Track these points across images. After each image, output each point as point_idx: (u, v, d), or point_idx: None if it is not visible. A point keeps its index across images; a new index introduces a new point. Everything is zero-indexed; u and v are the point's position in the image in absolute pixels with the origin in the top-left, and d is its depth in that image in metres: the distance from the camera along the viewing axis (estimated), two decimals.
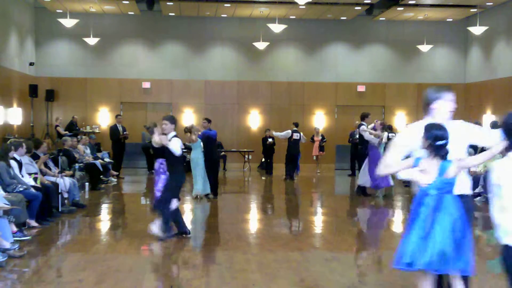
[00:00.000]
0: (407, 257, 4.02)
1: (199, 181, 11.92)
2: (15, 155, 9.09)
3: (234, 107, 21.45)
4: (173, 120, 7.98)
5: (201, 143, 11.96)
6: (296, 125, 16.43)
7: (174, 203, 7.90)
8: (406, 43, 21.83)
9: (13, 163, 8.90)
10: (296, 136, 16.11)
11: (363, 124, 12.76)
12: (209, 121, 12.39)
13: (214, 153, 12.39)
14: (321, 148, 19.01)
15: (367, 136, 12.51)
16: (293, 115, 21.55)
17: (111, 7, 19.82)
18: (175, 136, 7.87)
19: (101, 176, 14.08)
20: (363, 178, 12.56)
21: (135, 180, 16.38)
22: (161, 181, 8.23)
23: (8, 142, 9.84)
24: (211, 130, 12.27)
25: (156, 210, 7.95)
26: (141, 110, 21.16)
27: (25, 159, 9.47)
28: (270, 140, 18.09)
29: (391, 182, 12.59)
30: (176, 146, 7.78)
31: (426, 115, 4.52)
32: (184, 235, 8.01)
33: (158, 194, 8.17)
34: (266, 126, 20.59)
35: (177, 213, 8.07)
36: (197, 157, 11.88)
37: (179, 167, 7.96)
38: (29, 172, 9.35)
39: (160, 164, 8.34)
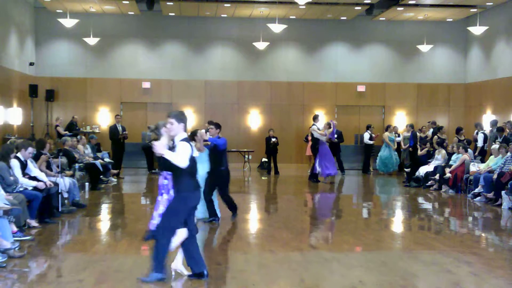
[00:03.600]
0: None
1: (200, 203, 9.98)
2: (19, 155, 9.10)
3: (234, 107, 21.45)
4: (181, 118, 5.84)
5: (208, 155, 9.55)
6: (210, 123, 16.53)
7: (180, 234, 5.86)
8: (406, 43, 21.82)
9: (14, 162, 8.91)
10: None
11: (314, 125, 15.78)
12: (217, 126, 9.71)
13: (219, 166, 9.51)
14: None
15: (316, 135, 15.46)
16: (293, 115, 21.58)
17: (111, 7, 19.81)
18: (185, 140, 5.78)
19: (101, 176, 14.09)
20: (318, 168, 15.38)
21: (135, 180, 16.39)
22: (162, 202, 5.96)
23: (9, 142, 9.85)
24: (220, 138, 9.65)
25: (150, 239, 6.03)
26: (141, 110, 21.17)
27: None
28: (273, 140, 18.10)
29: (336, 172, 15.72)
30: (177, 155, 5.65)
31: None
32: (200, 278, 5.97)
33: (156, 219, 5.95)
34: (266, 126, 20.59)
35: (192, 247, 5.98)
36: (203, 174, 9.23)
37: (188, 182, 5.81)
38: (29, 172, 9.35)
39: (163, 178, 5.98)
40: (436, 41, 21.57)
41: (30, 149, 9.28)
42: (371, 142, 19.00)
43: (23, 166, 9.13)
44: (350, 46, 21.94)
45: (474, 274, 6.45)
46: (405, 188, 14.80)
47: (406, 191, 14.26)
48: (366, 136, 19.00)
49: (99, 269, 6.39)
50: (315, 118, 16.35)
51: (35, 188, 8.90)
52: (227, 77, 21.48)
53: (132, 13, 20.67)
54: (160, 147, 5.66)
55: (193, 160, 5.81)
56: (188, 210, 5.85)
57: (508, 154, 12.13)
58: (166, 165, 5.75)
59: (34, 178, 9.20)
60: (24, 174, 9.11)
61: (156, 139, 6.14)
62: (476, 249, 7.84)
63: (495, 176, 11.67)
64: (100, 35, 20.17)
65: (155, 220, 5.92)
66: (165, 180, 5.94)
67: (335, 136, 16.90)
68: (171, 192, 5.89)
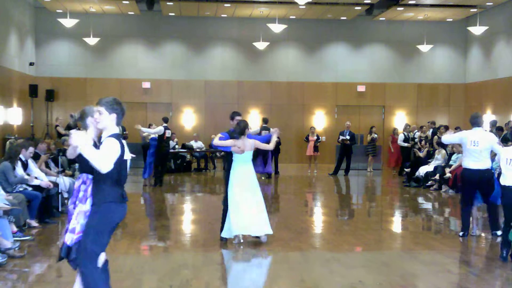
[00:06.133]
0: None
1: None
2: (21, 156, 9.14)
3: (234, 107, 21.38)
4: (114, 107, 4.45)
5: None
6: (166, 120, 14.87)
7: (101, 258, 4.45)
8: (406, 43, 21.82)
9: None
10: (168, 133, 14.82)
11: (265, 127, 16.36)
12: (237, 113, 8.63)
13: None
14: (316, 148, 18.89)
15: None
16: (293, 115, 21.58)
17: (111, 7, 19.81)
18: (115, 136, 4.39)
19: None
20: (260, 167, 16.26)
21: (135, 180, 16.37)
22: (80, 214, 4.56)
23: (9, 142, 9.87)
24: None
25: (72, 264, 4.65)
26: (141, 110, 21.16)
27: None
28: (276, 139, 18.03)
29: (271, 170, 16.71)
30: (99, 154, 4.25)
31: None
32: None
33: (73, 237, 4.56)
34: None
35: (105, 275, 4.53)
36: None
37: (112, 191, 4.41)
38: (30, 172, 9.36)
39: (82, 182, 4.65)
40: (436, 41, 21.57)
41: (31, 149, 9.33)
42: (407, 144, 17.59)
43: (24, 165, 9.17)
44: (350, 46, 21.93)
45: (474, 274, 6.45)
46: (405, 188, 14.80)
47: (406, 191, 14.26)
48: (401, 137, 17.94)
49: None
50: (266, 120, 17.23)
51: (35, 188, 8.91)
52: (227, 77, 21.48)
53: (132, 13, 20.67)
54: (77, 137, 4.22)
55: (122, 165, 4.41)
56: (112, 227, 4.48)
57: None
58: (88, 165, 4.39)
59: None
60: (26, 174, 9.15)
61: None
62: (476, 249, 7.83)
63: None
64: (100, 35, 20.18)
65: (72, 235, 4.55)
66: (83, 184, 4.59)
67: (348, 137, 17.75)
68: (88, 202, 4.54)
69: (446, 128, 16.78)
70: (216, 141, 7.85)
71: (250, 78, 21.60)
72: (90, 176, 4.53)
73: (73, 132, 4.25)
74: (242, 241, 7.65)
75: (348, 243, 8.15)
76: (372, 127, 19.55)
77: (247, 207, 7.53)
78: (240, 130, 7.70)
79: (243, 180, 7.63)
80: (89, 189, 4.55)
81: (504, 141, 13.88)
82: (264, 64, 21.66)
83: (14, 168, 8.74)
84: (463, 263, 6.92)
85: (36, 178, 9.23)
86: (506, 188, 7.04)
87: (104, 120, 4.40)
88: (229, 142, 7.75)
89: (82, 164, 4.62)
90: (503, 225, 7.21)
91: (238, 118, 8.22)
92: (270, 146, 7.98)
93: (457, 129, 16.48)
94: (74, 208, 4.61)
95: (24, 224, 8.33)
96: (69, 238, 4.54)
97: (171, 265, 6.67)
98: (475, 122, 8.32)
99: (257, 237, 7.71)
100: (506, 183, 7.05)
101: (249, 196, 7.58)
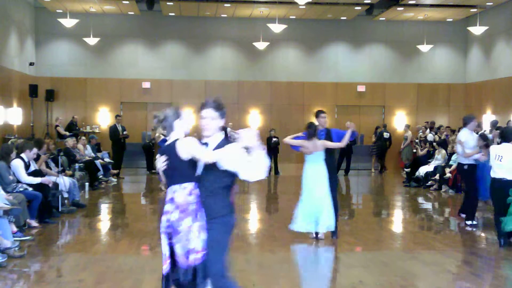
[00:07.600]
0: None
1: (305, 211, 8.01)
2: (23, 156, 9.15)
3: (234, 107, 21.43)
4: (224, 111, 4.31)
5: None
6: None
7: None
8: (406, 43, 21.82)
9: (18, 162, 8.94)
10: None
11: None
12: (320, 111, 8.80)
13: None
14: None
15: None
16: (293, 115, 21.57)
17: (111, 7, 19.81)
18: (226, 139, 4.23)
19: (101, 176, 14.10)
20: None
21: (135, 180, 16.40)
22: (198, 229, 3.97)
23: (10, 142, 9.88)
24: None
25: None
26: (141, 110, 21.16)
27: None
28: (274, 139, 18.11)
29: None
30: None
31: None
32: None
33: (196, 257, 3.95)
34: (266, 126, 20.59)
35: None
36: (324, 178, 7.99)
37: (228, 201, 4.16)
38: (30, 172, 9.38)
39: (188, 193, 4.01)
40: (436, 41, 21.57)
41: (35, 150, 9.34)
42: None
43: (27, 166, 9.17)
44: (350, 46, 21.93)
45: (474, 274, 6.45)
46: (405, 188, 14.80)
47: (406, 191, 14.26)
48: (430, 137, 17.10)
49: (99, 269, 6.39)
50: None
51: (35, 188, 8.91)
52: (227, 77, 21.48)
53: (132, 13, 20.67)
54: (250, 136, 3.90)
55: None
56: (230, 241, 4.10)
57: None
58: (191, 173, 4.00)
59: (37, 173, 9.23)
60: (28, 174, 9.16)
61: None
62: (476, 249, 7.84)
63: None
64: (100, 35, 20.17)
65: (195, 255, 3.95)
66: (190, 196, 3.99)
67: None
68: (199, 216, 3.99)
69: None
70: (287, 139, 8.34)
71: (250, 78, 21.60)
72: (196, 184, 4.02)
73: (243, 130, 3.91)
74: (314, 236, 7.93)
75: (348, 243, 8.15)
76: (377, 127, 19.63)
77: (310, 205, 7.88)
78: (309, 133, 7.96)
79: (313, 179, 7.90)
80: (198, 200, 4.03)
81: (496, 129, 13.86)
82: (264, 64, 21.65)
83: (9, 167, 8.74)
84: (463, 263, 6.92)
85: (39, 172, 9.25)
86: (496, 181, 7.74)
87: (216, 125, 4.17)
88: (297, 142, 8.12)
89: (187, 171, 4.02)
90: (494, 216, 8.01)
91: (322, 115, 8.58)
92: (342, 145, 7.86)
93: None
94: (191, 222, 3.97)
95: (24, 224, 8.33)
96: (193, 259, 3.93)
97: None
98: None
99: (317, 233, 7.96)
100: (496, 175, 7.76)
101: (316, 194, 7.86)
